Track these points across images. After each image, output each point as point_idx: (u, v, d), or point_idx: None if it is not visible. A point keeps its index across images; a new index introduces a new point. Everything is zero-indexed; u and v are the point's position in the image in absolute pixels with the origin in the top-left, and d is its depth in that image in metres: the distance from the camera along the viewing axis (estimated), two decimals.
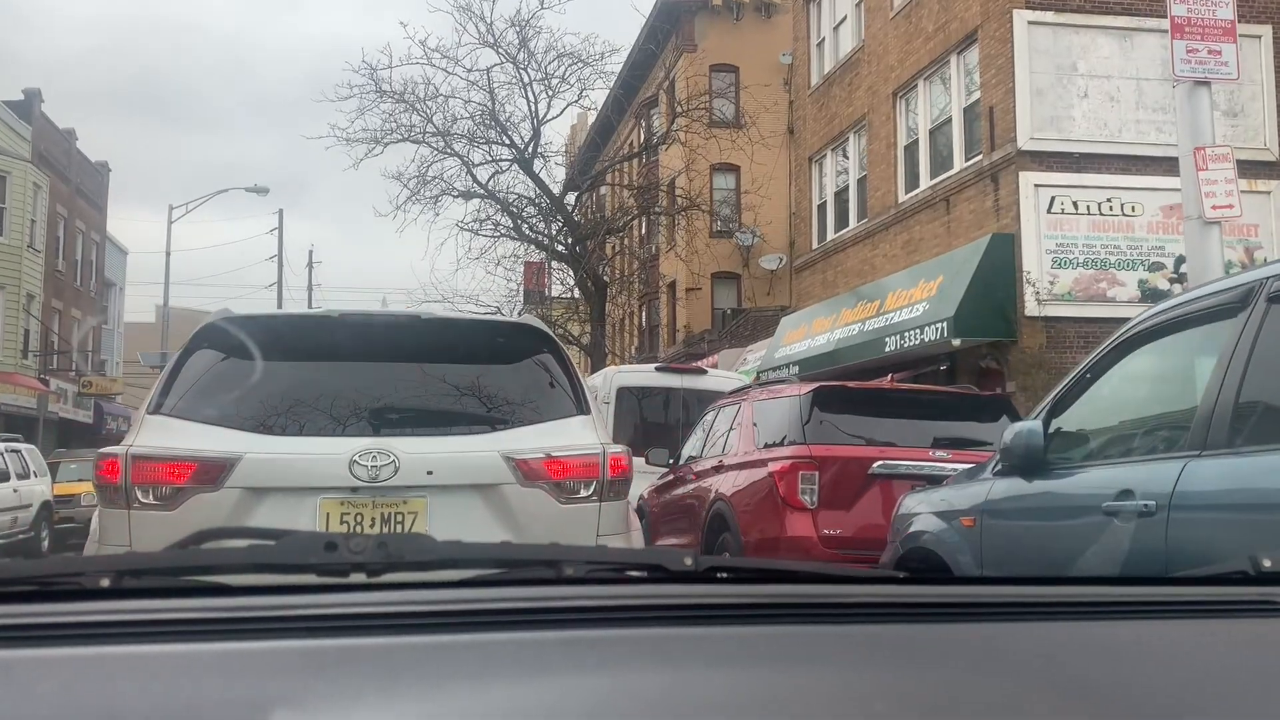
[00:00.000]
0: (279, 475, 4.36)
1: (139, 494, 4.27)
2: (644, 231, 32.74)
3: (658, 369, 13.94)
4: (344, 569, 1.29)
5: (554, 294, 33.26)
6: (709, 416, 9.57)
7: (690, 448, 9.72)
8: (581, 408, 4.79)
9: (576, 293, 29.31)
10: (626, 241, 31.18)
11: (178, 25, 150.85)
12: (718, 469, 8.20)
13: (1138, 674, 1.24)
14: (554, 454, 4.49)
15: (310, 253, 57.78)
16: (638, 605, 1.30)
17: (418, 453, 4.37)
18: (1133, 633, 1.36)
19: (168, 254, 36.91)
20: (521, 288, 32.46)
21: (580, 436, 4.64)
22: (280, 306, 40.94)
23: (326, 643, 1.16)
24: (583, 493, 4.54)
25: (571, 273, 28.30)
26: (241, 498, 4.29)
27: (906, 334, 15.82)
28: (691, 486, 8.90)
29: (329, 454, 4.33)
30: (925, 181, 17.56)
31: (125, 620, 1.19)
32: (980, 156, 15.79)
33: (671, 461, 9.96)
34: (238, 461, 4.28)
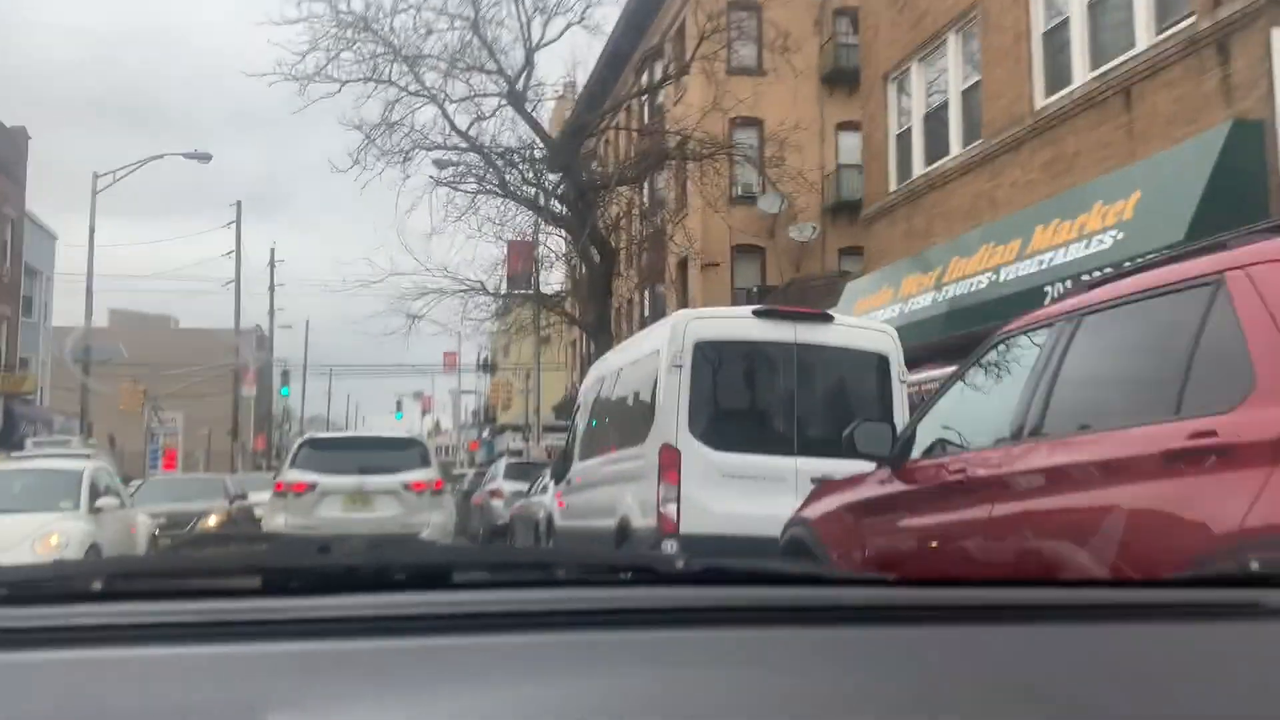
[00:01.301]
0: (331, 488, 13.43)
1: (288, 493, 13.57)
2: (647, 198, 27.71)
3: (758, 314, 8.90)
4: (338, 571, 1.34)
5: (546, 270, 28.15)
6: (1022, 350, 4.58)
7: (987, 420, 4.54)
8: (429, 464, 14.41)
9: (577, 270, 24.42)
10: (635, 198, 26.05)
11: (159, 36, 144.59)
12: (1151, 458, 3.19)
13: (1125, 677, 1.23)
14: (416, 480, 13.72)
15: (272, 251, 53.84)
16: (629, 608, 1.31)
17: (376, 479, 13.56)
18: (1121, 636, 1.35)
19: (91, 230, 31.56)
20: (506, 267, 27.40)
21: (428, 474, 14.03)
22: (238, 304, 41.68)
23: (320, 645, 1.17)
24: (427, 494, 13.79)
25: (568, 240, 23.36)
26: (320, 495, 13.37)
27: (1093, 275, 10.94)
28: (1028, 502, 3.83)
29: (346, 480, 13.49)
30: (1083, 75, 12.71)
31: (119, 623, 1.20)
32: (1190, 20, 10.98)
33: (896, 453, 4.89)
34: (319, 483, 13.44)
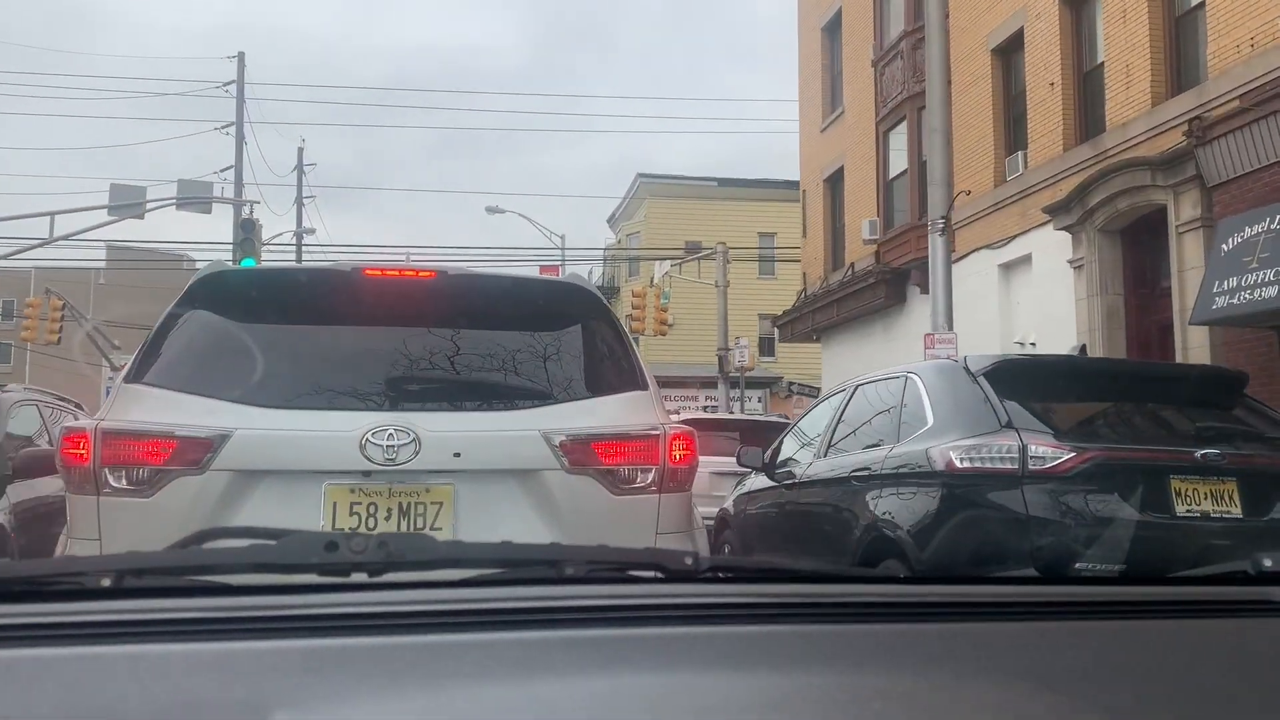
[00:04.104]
0: (276, 456, 3.68)
1: (110, 477, 3.63)
2: None
3: None
4: (345, 569, 1.30)
5: None
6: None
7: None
8: (639, 382, 4.11)
9: None
10: None
11: (260, 28, 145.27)
12: None
13: (1137, 674, 1.24)
14: (604, 434, 3.87)
15: (300, 151, 38.01)
16: (639, 605, 1.31)
17: (443, 431, 3.74)
18: (1132, 632, 1.37)
19: None
20: None
21: (635, 415, 3.99)
22: (239, 180, 28.54)
23: (327, 642, 1.17)
24: (639, 481, 3.89)
25: None
26: (232, 482, 3.63)
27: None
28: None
29: (338, 431, 3.67)
30: None
31: (126, 620, 1.20)
32: None
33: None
34: (227, 439, 3.63)
